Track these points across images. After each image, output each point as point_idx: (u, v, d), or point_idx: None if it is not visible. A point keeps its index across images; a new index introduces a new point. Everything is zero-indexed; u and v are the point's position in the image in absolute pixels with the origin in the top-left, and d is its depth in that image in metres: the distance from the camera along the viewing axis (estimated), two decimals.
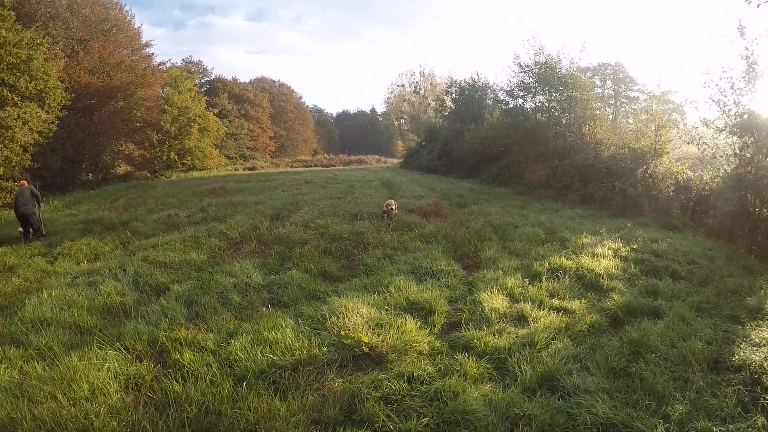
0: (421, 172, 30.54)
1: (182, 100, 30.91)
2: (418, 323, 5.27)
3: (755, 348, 4.57)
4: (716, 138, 10.96)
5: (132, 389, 4.12)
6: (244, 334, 4.93)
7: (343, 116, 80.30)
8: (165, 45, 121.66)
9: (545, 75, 21.33)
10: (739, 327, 5.18)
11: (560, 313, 5.67)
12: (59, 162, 19.69)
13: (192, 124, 31.58)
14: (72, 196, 18.16)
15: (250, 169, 37.77)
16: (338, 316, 5.23)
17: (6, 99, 14.47)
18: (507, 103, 25.36)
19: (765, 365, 4.20)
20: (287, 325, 5.06)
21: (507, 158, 22.21)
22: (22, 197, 10.28)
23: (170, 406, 3.78)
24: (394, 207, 10.79)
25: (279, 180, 22.97)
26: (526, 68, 22.38)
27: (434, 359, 4.59)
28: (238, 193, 16.83)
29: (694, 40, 69.59)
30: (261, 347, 4.61)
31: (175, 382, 4.07)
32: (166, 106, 29.39)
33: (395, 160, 49.45)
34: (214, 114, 37.31)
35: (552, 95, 21.64)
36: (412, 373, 4.21)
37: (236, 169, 36.98)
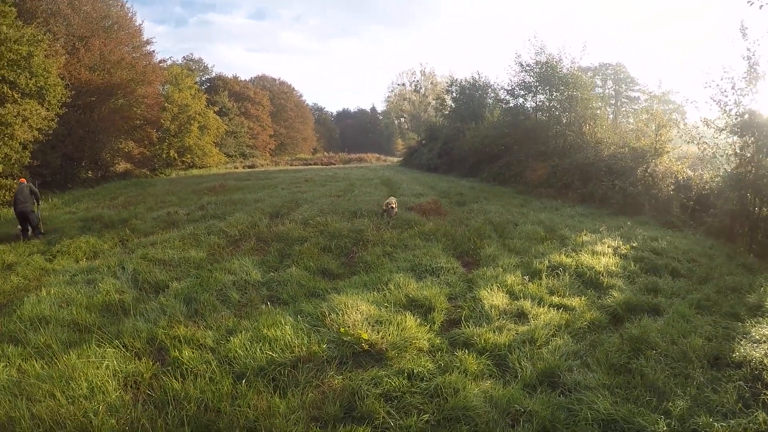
0: (421, 171, 30.50)
1: (182, 98, 30.89)
2: (418, 320, 5.26)
3: (755, 344, 4.57)
4: (716, 137, 10.98)
5: (131, 387, 4.10)
6: (243, 332, 4.92)
7: (344, 115, 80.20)
8: (166, 42, 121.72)
9: (546, 74, 21.27)
10: (739, 324, 5.18)
11: (560, 310, 5.66)
12: (59, 159, 19.63)
13: (192, 121, 31.58)
14: (71, 194, 18.13)
15: (249, 167, 37.75)
16: (338, 313, 5.22)
17: (6, 96, 14.41)
18: (507, 102, 25.33)
19: (765, 361, 4.19)
20: (286, 323, 5.05)
21: (507, 157, 22.18)
22: (21, 195, 10.27)
23: (169, 403, 3.77)
24: (394, 205, 10.77)
25: (279, 178, 22.95)
26: (527, 67, 22.34)
27: (434, 356, 4.59)
28: (238, 191, 16.81)
29: (695, 41, 69.73)
30: (260, 344, 4.59)
31: (174, 380, 4.05)
32: (166, 104, 29.37)
33: (395, 159, 49.40)
34: (214, 112, 37.34)
35: (553, 94, 21.60)
36: (412, 370, 4.19)
37: (236, 167, 36.95)
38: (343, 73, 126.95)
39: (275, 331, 4.83)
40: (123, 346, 4.73)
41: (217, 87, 46.12)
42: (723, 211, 10.38)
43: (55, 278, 7.05)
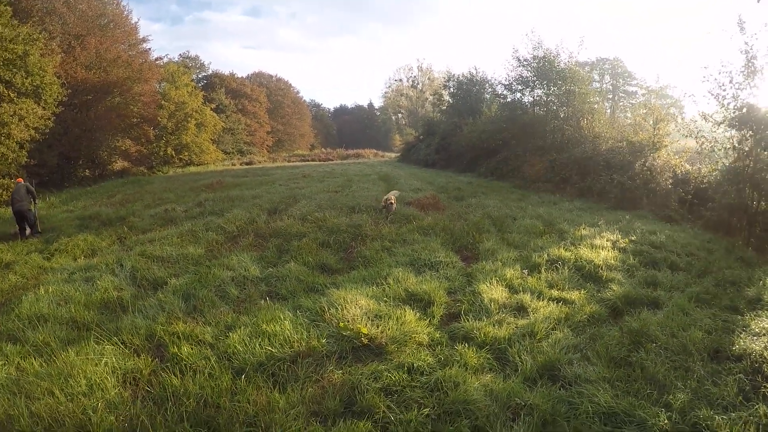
0: (418, 166, 30.47)
1: (179, 96, 30.74)
2: (418, 314, 5.25)
3: (755, 337, 4.57)
4: (714, 131, 10.98)
5: (130, 384, 4.08)
6: (242, 327, 4.90)
7: (341, 111, 79.98)
8: (162, 40, 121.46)
9: (544, 69, 21.24)
10: (739, 317, 5.19)
11: (560, 304, 5.67)
12: (55, 158, 19.53)
13: (189, 119, 31.44)
14: (68, 193, 18.06)
15: (247, 163, 37.58)
16: (337, 308, 5.21)
17: (2, 95, 14.35)
18: (505, 97, 25.25)
19: (765, 354, 4.20)
20: (286, 318, 5.03)
21: (505, 152, 22.17)
22: (17, 194, 10.28)
23: (168, 400, 3.75)
24: (393, 201, 10.74)
25: (276, 174, 22.87)
26: (525, 62, 22.28)
27: (434, 350, 4.58)
28: (236, 187, 16.75)
29: (692, 38, 69.68)
30: (259, 340, 4.58)
31: (173, 376, 4.04)
32: (163, 102, 29.20)
33: (393, 155, 49.27)
34: (211, 109, 37.15)
35: (550, 89, 21.56)
36: (412, 364, 4.19)
37: (233, 164, 36.76)
38: (341, 70, 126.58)
39: (274, 326, 4.81)
40: (122, 343, 4.71)
41: (213, 84, 45.84)
42: (721, 204, 10.39)
43: (53, 276, 7.02)
